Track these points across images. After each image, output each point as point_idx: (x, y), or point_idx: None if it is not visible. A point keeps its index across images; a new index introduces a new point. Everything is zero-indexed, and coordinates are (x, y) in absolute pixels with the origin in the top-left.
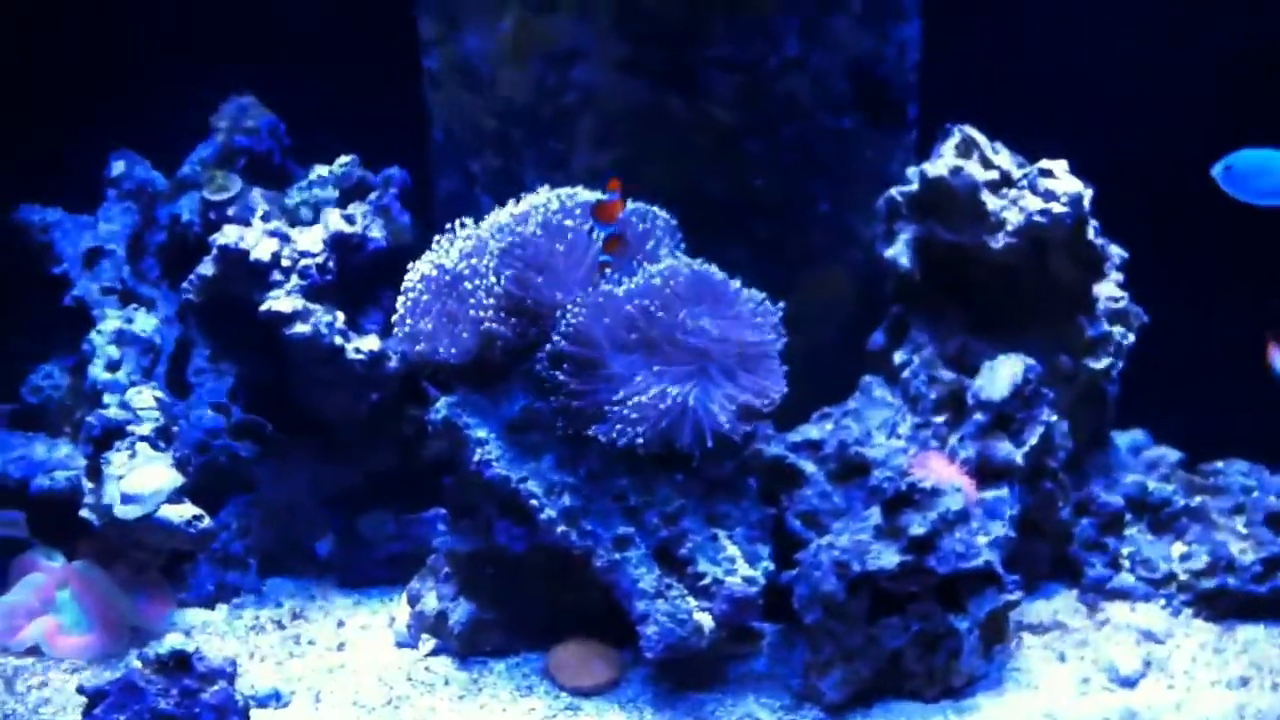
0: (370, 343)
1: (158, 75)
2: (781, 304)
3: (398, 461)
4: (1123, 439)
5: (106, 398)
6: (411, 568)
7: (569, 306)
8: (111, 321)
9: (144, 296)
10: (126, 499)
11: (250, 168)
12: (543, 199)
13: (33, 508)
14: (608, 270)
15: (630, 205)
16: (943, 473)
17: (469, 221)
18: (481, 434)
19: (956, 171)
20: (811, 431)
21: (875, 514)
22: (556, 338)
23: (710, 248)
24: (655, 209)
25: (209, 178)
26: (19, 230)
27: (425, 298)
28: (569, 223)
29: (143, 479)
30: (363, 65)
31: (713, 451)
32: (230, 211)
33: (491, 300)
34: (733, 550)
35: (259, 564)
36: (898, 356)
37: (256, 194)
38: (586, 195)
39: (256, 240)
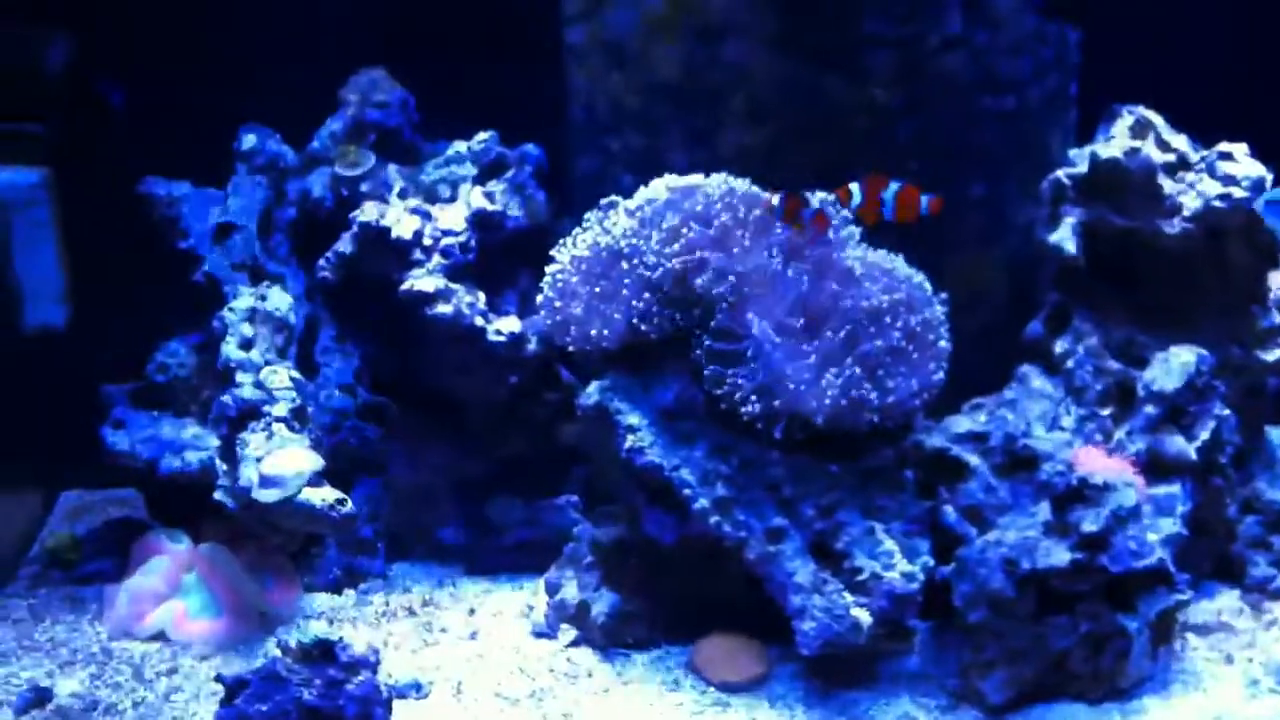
0: (511, 324)
1: (285, 47)
2: (944, 294)
3: (529, 447)
4: (1275, 435)
5: (240, 377)
6: (541, 555)
7: (733, 289)
8: (245, 298)
9: (273, 273)
10: (266, 482)
11: (380, 143)
12: (716, 182)
13: (160, 489)
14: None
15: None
16: (1110, 467)
17: (620, 200)
18: (633, 420)
19: (1133, 153)
20: (968, 423)
21: (1044, 509)
22: (720, 318)
23: (861, 233)
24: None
25: (341, 152)
26: (144, 203)
27: (575, 279)
28: (734, 206)
29: (283, 461)
30: (497, 39)
31: (870, 442)
32: (364, 187)
33: (650, 282)
34: (890, 545)
35: (386, 547)
36: (1059, 346)
37: (392, 170)
38: (742, 184)
39: (398, 217)
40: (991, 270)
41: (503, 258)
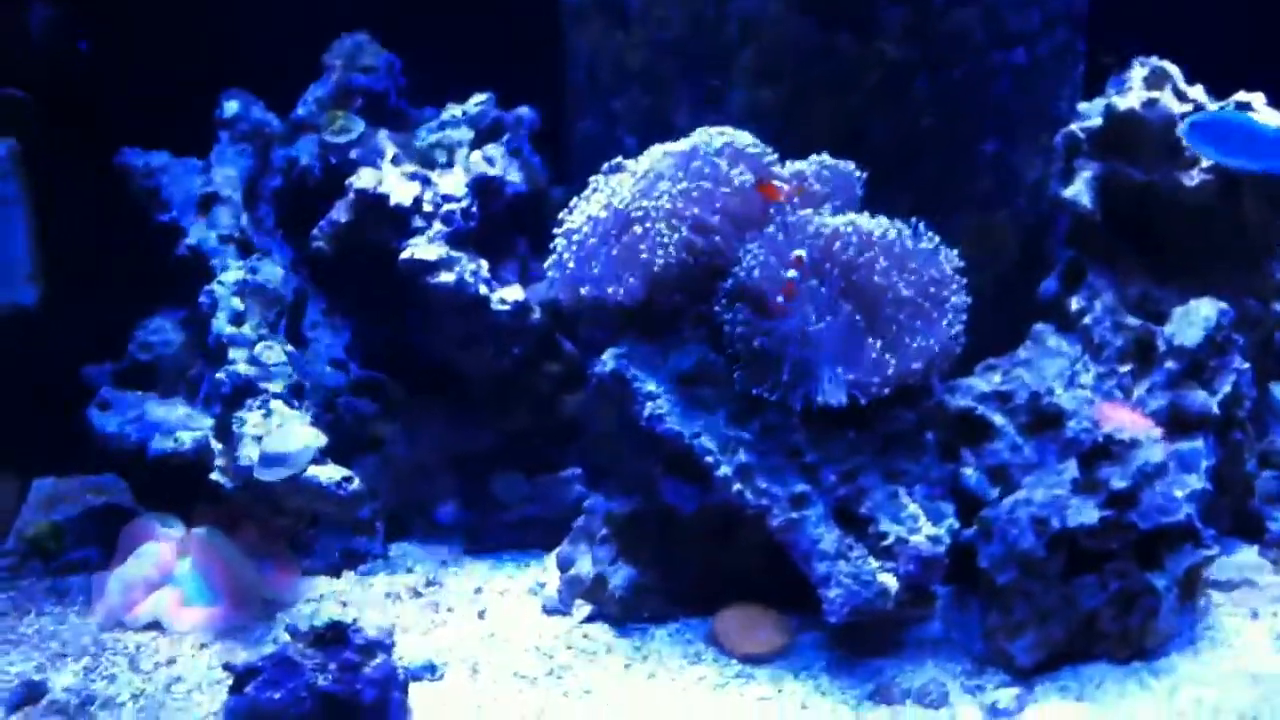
0: (515, 293)
1: (267, 9)
2: (955, 251)
3: (531, 420)
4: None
5: (233, 353)
6: (545, 531)
7: (750, 248)
8: (234, 272)
9: (260, 246)
10: (269, 460)
11: (367, 108)
12: (722, 139)
13: (150, 472)
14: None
15: (815, 159)
16: (1135, 423)
17: (634, 162)
18: (651, 387)
19: (1151, 104)
20: (986, 384)
21: (1071, 467)
22: (738, 273)
23: (872, 193)
24: (839, 163)
25: (329, 118)
26: (121, 175)
27: (593, 240)
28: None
29: (286, 438)
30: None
31: (890, 405)
32: (353, 155)
33: (666, 242)
34: (914, 508)
35: (384, 527)
36: (1074, 303)
37: (383, 136)
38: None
39: (396, 184)
40: (1002, 229)
41: (502, 224)
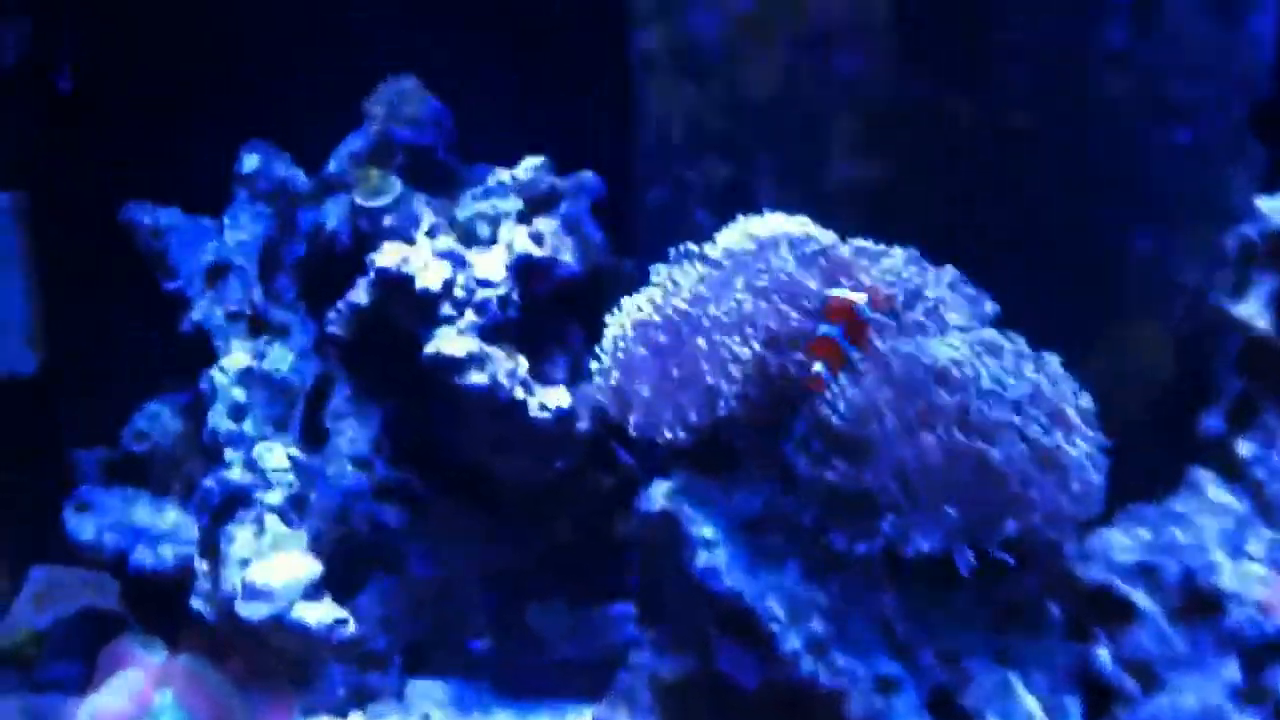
0: (558, 397)
1: (297, 51)
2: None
3: (577, 539)
4: None
5: (229, 454)
6: (587, 676)
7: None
8: (238, 356)
9: (277, 322)
10: (252, 593)
11: (409, 166)
12: (798, 227)
13: (131, 586)
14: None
15: (901, 253)
16: None
17: (697, 249)
18: (708, 533)
19: None
20: (1128, 541)
21: (1232, 666)
22: (822, 407)
23: (990, 293)
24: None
25: (361, 177)
26: (127, 233)
27: (641, 350)
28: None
29: (273, 569)
30: (549, 41)
31: (1007, 568)
32: (387, 221)
33: (736, 360)
34: (1031, 703)
35: (402, 660)
36: (1243, 448)
37: (420, 201)
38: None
39: (424, 263)
40: (1154, 344)
41: (550, 312)
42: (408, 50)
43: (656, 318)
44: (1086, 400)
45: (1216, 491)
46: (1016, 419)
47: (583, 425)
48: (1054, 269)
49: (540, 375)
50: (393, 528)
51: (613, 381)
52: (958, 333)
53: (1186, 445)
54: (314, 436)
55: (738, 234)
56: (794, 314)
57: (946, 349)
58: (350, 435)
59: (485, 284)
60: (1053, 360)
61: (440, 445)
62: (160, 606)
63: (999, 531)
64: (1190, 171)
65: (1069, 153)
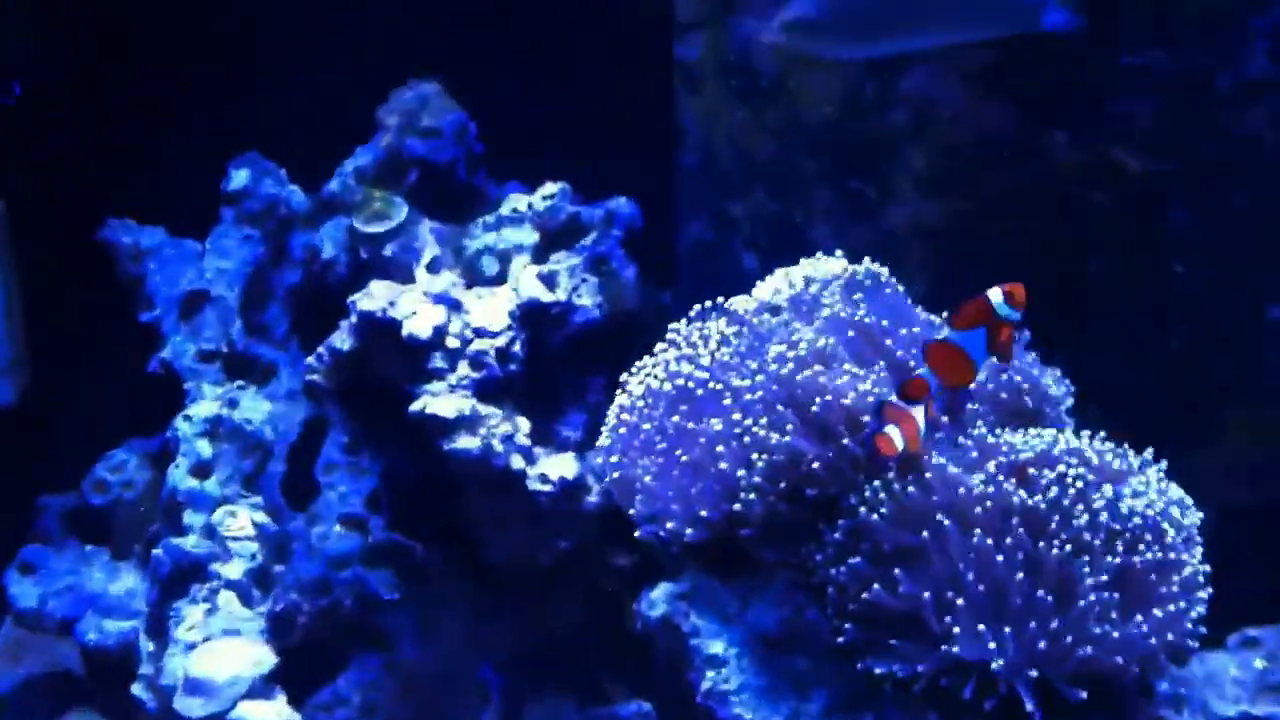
0: (562, 467)
1: (307, 50)
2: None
3: (587, 624)
4: None
5: (188, 516)
6: None
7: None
8: (206, 404)
9: (262, 361)
10: (192, 687)
11: (425, 185)
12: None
13: (85, 657)
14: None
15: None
16: None
17: (728, 302)
18: (718, 648)
19: None
20: (1237, 672)
21: None
22: (861, 509)
23: (1090, 364)
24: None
25: (363, 199)
26: (108, 253)
27: (648, 427)
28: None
29: (219, 658)
30: (584, 47)
31: (1082, 711)
32: (388, 250)
33: (761, 446)
34: None
35: None
36: None
37: (425, 228)
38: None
39: (414, 307)
40: None
41: (567, 364)
42: (426, 51)
43: (668, 387)
44: (1193, 514)
45: None
46: (1103, 534)
47: (593, 499)
48: (1170, 339)
49: (549, 438)
50: (383, 600)
51: (615, 459)
52: (1034, 427)
53: None
54: (300, 491)
55: (779, 283)
56: (841, 393)
57: (1025, 443)
58: (343, 490)
59: (483, 333)
60: (1150, 466)
61: (435, 509)
62: (115, 681)
63: (1071, 666)
64: None
65: (1194, 201)
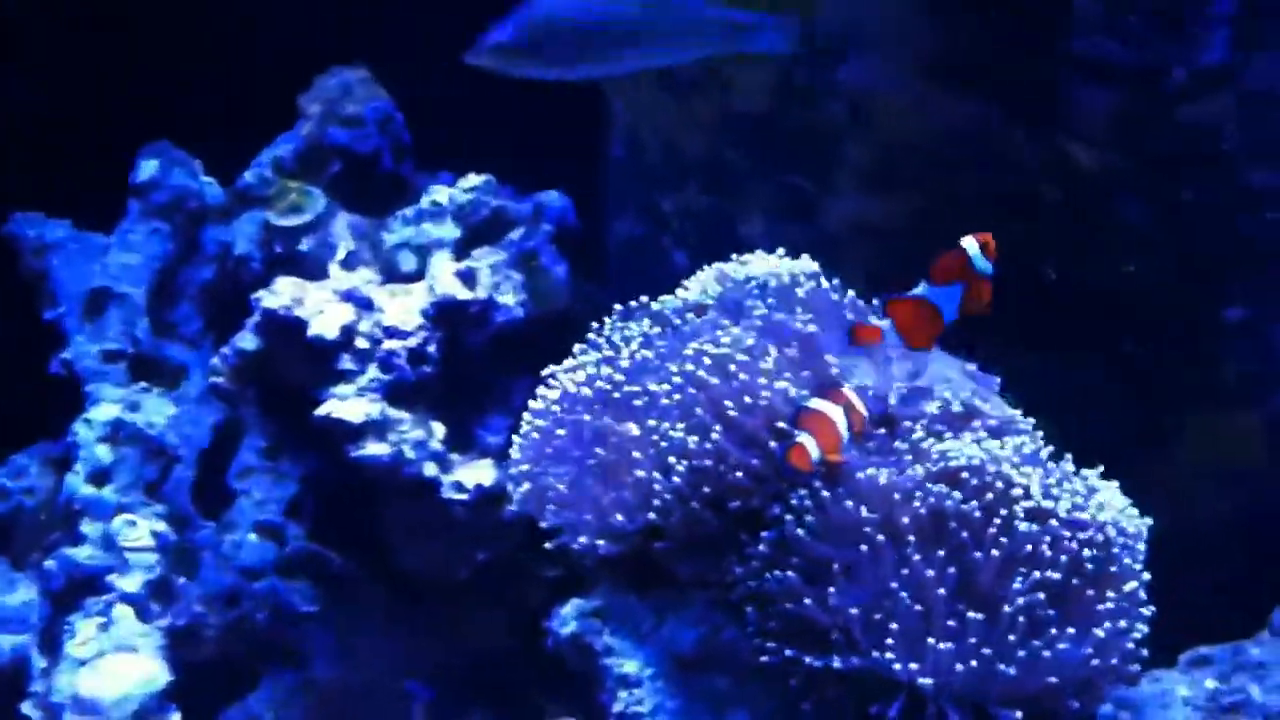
0: (480, 474)
1: (226, 34)
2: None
3: (511, 640)
4: None
5: (85, 525)
6: None
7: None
8: (106, 407)
9: (171, 362)
10: (80, 706)
11: (347, 176)
12: (787, 269)
13: None
14: None
15: None
16: None
17: (653, 303)
18: (631, 668)
19: None
20: (1186, 692)
21: None
22: (786, 518)
23: (1047, 369)
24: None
25: (279, 191)
26: (11, 247)
27: (561, 433)
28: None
29: (109, 675)
30: None
31: None
32: (304, 245)
33: (680, 452)
34: None
35: None
36: None
37: (342, 223)
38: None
39: (320, 305)
40: (1248, 438)
41: (489, 364)
42: (349, 36)
43: (586, 391)
44: (1139, 524)
45: None
46: (1042, 548)
47: (514, 508)
48: (1126, 343)
49: (469, 444)
50: (299, 613)
51: (524, 469)
52: (972, 434)
53: (1278, 572)
54: (213, 499)
55: (708, 281)
56: (763, 394)
57: (961, 450)
58: (259, 497)
59: (394, 333)
60: (1092, 475)
61: (361, 518)
62: (7, 698)
63: (1002, 687)
64: None
65: (1147, 196)
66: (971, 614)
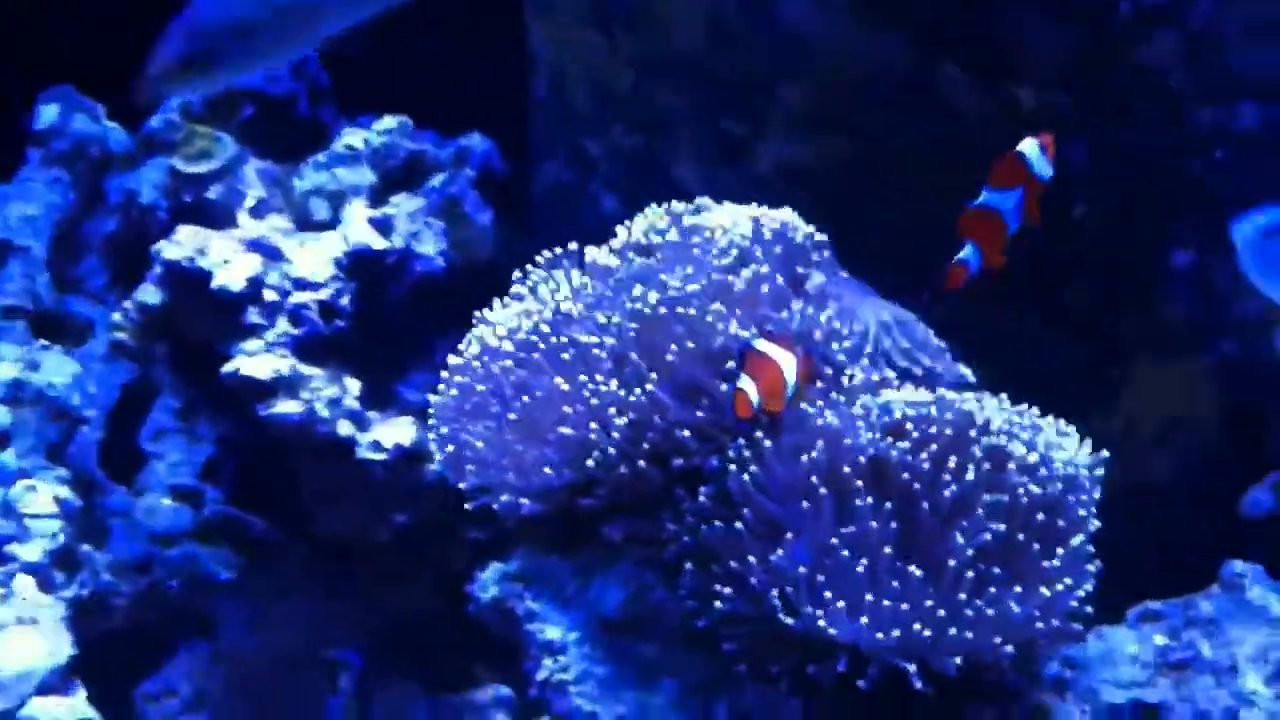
0: (399, 433)
1: None
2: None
3: (437, 605)
4: None
5: None
6: None
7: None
8: (5, 367)
9: (76, 319)
10: None
11: (260, 120)
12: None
13: None
14: None
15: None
16: None
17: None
18: (555, 634)
19: None
20: (1134, 649)
21: None
22: (726, 468)
23: (986, 321)
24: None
25: (186, 136)
26: None
27: (482, 389)
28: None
29: (6, 651)
30: None
31: (958, 696)
32: (212, 193)
33: (609, 406)
34: None
35: None
36: None
37: (251, 170)
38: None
39: (226, 256)
40: (1195, 384)
41: (409, 317)
42: None
43: (508, 345)
44: (1091, 477)
45: (1261, 593)
46: (988, 503)
47: (436, 467)
48: (1069, 290)
49: (389, 401)
50: (217, 580)
51: (444, 429)
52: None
53: (1228, 524)
54: (124, 462)
55: (639, 229)
56: (694, 347)
57: (908, 401)
58: (173, 459)
59: (304, 285)
60: (1046, 423)
61: (279, 481)
62: None
63: (946, 648)
64: (1254, 165)
65: (1096, 140)
66: (915, 570)
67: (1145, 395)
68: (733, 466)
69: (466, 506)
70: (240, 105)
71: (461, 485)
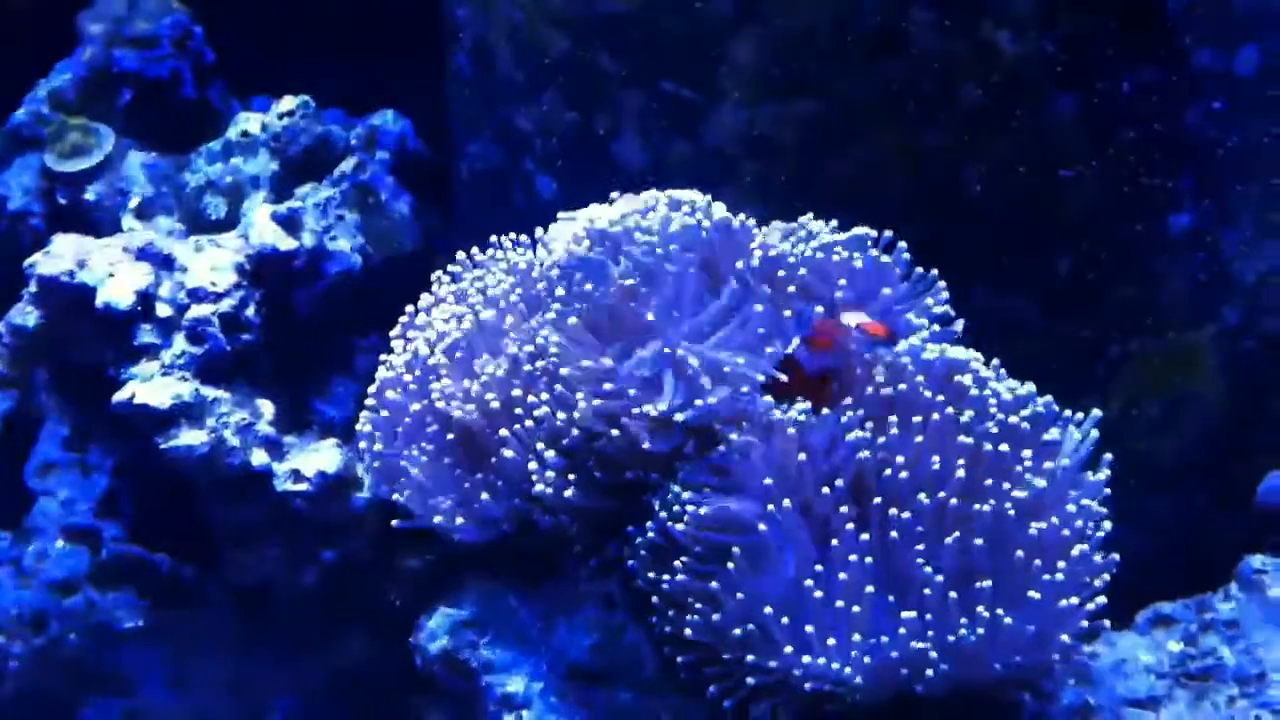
0: (320, 459)
1: None
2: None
3: (374, 652)
4: None
5: None
6: None
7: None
8: None
9: None
10: None
11: (141, 107)
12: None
13: None
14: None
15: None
16: None
17: (517, 242)
18: (515, 686)
19: None
20: (1148, 659)
21: None
22: (681, 494)
23: (966, 293)
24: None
25: (58, 129)
26: None
27: (416, 407)
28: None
29: None
30: None
31: (960, 713)
32: (91, 193)
33: (564, 420)
34: None
35: None
36: None
37: (135, 163)
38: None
39: (110, 267)
40: (1199, 358)
41: (325, 324)
42: None
43: (439, 357)
44: (1096, 475)
45: None
46: (979, 506)
47: (364, 495)
48: (1061, 259)
49: (307, 422)
50: (122, 630)
51: (375, 447)
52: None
53: (1241, 514)
54: (8, 504)
55: (563, 232)
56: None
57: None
58: (65, 496)
59: (202, 296)
60: (1039, 404)
61: (190, 516)
62: None
63: (936, 678)
64: (1256, 115)
65: (1086, 92)
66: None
67: (1149, 371)
68: (684, 493)
69: (402, 530)
70: (118, 90)
71: (394, 522)
